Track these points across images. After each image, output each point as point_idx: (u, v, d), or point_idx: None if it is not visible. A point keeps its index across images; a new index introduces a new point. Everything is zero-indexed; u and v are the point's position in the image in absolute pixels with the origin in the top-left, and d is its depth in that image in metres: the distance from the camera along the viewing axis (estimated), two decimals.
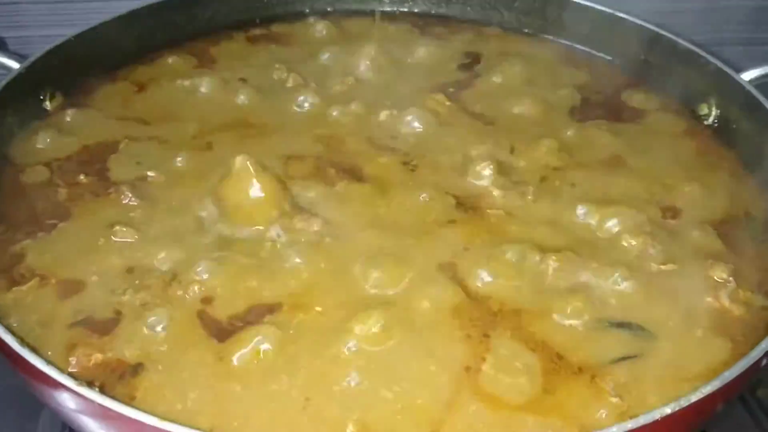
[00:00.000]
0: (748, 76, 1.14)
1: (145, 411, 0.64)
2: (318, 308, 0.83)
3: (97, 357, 0.75)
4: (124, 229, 0.90)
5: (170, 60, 1.25)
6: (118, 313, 0.81)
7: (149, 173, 1.00)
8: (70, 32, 1.15)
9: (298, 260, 0.87)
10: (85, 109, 1.11)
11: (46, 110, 1.10)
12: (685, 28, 1.22)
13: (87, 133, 1.06)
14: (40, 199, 0.95)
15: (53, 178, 0.98)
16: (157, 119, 1.11)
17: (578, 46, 1.35)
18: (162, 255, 0.87)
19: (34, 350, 0.69)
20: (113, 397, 0.66)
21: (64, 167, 1.00)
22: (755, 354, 0.70)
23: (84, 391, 0.64)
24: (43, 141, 1.03)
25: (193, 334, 0.80)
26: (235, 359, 0.77)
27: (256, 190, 0.90)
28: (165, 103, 1.15)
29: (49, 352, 0.75)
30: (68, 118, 1.08)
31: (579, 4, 1.32)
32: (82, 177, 0.98)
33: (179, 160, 1.02)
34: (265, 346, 0.78)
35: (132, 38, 1.23)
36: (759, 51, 1.18)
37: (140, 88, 1.18)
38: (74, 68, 1.15)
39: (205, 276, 0.85)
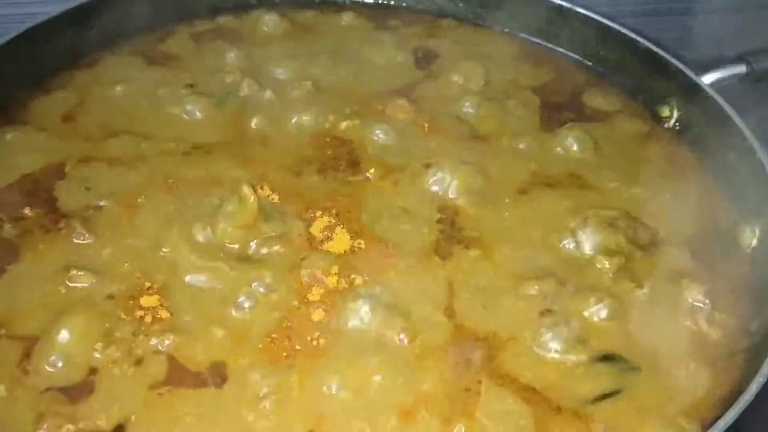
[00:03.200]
0: (708, 78, 1.14)
1: None
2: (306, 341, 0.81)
3: (69, 428, 0.70)
4: (81, 273, 0.84)
5: (110, 63, 1.16)
6: (87, 372, 0.75)
7: (101, 202, 0.93)
8: None
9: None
10: (21, 127, 1.02)
11: None
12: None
13: (27, 156, 0.98)
14: None
15: None
16: (103, 135, 1.03)
17: (536, 39, 1.32)
18: (126, 301, 0.82)
19: None
20: None
21: (7, 199, 0.92)
22: (747, 397, 0.71)
23: None
24: None
25: (171, 387, 0.76)
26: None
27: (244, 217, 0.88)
28: (109, 115, 1.07)
29: (16, 424, 0.70)
30: (5, 139, 0.99)
31: None
32: (27, 210, 0.91)
33: (132, 185, 0.95)
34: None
35: (65, 41, 1.13)
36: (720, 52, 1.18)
37: (80, 97, 1.09)
38: (5, 77, 1.05)
39: (177, 321, 0.80)
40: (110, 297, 0.82)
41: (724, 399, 0.79)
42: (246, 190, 0.88)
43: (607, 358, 0.83)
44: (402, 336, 0.81)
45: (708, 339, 0.86)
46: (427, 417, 0.75)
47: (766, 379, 0.73)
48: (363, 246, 0.92)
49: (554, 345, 0.83)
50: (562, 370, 0.81)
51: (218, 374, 0.77)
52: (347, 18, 1.33)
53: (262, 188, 0.96)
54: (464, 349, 0.82)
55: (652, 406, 0.79)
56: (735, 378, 0.81)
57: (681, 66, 1.14)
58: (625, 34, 1.21)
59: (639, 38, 1.19)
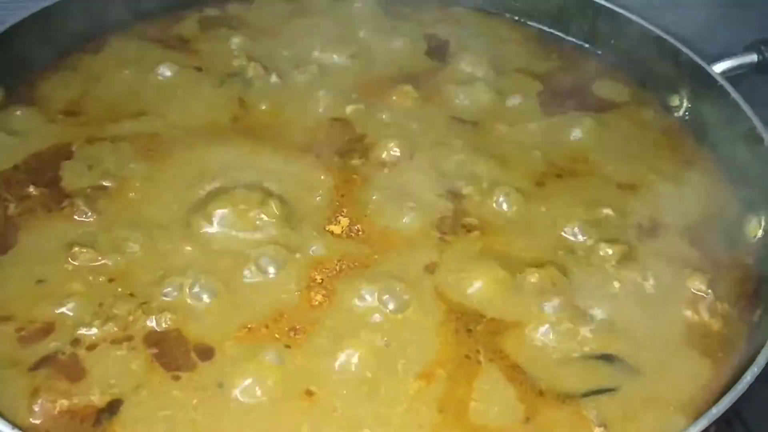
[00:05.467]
0: (719, 67, 1.12)
1: None
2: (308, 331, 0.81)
3: (63, 403, 0.71)
4: (84, 251, 0.84)
5: (119, 46, 1.16)
6: (84, 348, 0.76)
7: (104, 182, 0.93)
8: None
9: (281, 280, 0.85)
10: (30, 108, 1.03)
11: None
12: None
13: (35, 137, 0.98)
14: None
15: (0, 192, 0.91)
16: (110, 116, 1.04)
17: (546, 28, 1.31)
18: (127, 278, 0.83)
19: None
20: None
21: (12, 178, 0.93)
22: (741, 387, 0.70)
23: None
24: None
25: (164, 366, 0.76)
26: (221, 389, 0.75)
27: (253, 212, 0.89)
28: (117, 97, 1.07)
29: (11, 400, 0.70)
30: (13, 120, 1.00)
31: None
32: (32, 189, 0.92)
33: (137, 166, 0.96)
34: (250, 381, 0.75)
35: (75, 24, 1.14)
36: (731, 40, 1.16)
37: (88, 79, 1.10)
38: (15, 58, 1.06)
39: (175, 301, 0.81)
40: (109, 274, 0.83)
41: (723, 391, 0.78)
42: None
43: (605, 357, 0.81)
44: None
45: (709, 329, 0.85)
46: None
47: (761, 370, 0.72)
48: (367, 228, 0.92)
49: (552, 331, 0.82)
50: (557, 359, 0.81)
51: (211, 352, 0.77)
52: (358, 4, 1.32)
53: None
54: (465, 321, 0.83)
55: (648, 398, 0.78)
56: (735, 369, 0.80)
57: (692, 55, 1.13)
58: (636, 23, 1.19)
59: (650, 26, 1.18)
